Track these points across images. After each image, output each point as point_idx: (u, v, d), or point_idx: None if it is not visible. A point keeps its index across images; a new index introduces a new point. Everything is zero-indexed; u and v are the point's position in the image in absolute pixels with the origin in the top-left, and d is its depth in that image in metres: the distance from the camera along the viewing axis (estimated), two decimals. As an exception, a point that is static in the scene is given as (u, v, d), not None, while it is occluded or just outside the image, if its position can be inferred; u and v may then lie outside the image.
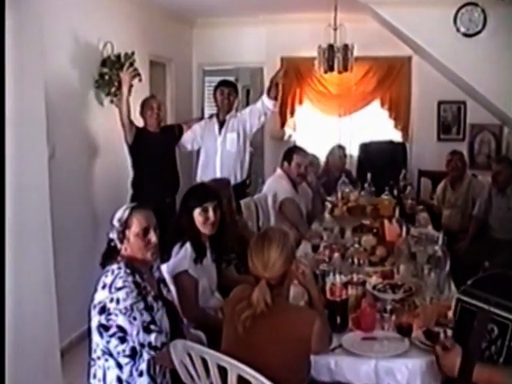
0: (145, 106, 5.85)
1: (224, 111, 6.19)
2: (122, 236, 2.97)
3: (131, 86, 5.65)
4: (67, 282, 4.66)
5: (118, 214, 3.01)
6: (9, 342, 3.35)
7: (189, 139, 6.28)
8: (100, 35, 5.64)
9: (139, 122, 5.84)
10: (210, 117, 6.47)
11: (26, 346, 3.56)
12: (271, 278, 2.70)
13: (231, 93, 6.20)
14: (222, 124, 6.18)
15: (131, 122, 5.63)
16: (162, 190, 5.65)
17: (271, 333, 2.66)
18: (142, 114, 5.85)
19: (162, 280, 3.23)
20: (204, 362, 2.65)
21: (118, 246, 2.98)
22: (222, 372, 2.60)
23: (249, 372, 2.46)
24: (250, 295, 2.68)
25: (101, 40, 5.65)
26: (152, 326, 2.83)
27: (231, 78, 10.34)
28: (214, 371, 2.61)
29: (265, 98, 5.97)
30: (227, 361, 2.54)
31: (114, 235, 2.98)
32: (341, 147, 7.36)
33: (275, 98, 5.99)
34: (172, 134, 6.14)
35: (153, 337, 2.81)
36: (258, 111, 6.06)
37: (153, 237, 3.02)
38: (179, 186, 6.13)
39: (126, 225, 2.96)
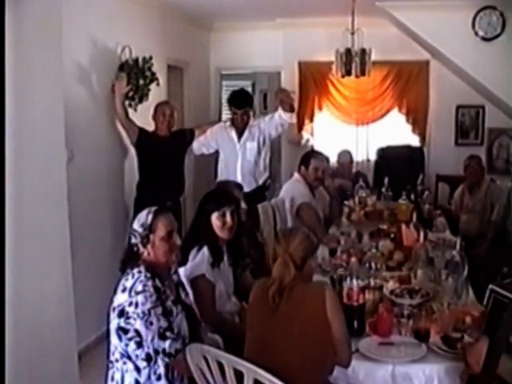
0: (157, 111, 5.87)
1: (239, 126, 6.22)
2: (146, 241, 2.96)
3: (129, 92, 5.66)
4: (85, 285, 4.68)
5: (141, 219, 3.00)
6: (27, 345, 3.37)
7: (201, 144, 6.33)
8: (118, 39, 5.66)
9: (151, 126, 5.89)
10: (227, 121, 6.47)
11: (45, 349, 3.57)
12: (294, 256, 2.78)
13: (244, 113, 6.19)
14: (240, 131, 6.20)
15: (131, 122, 5.65)
16: (163, 194, 5.59)
17: (289, 317, 2.71)
18: (154, 118, 5.88)
19: (180, 284, 3.24)
20: (220, 365, 2.65)
21: (141, 250, 2.97)
22: (238, 376, 2.60)
23: (265, 376, 2.46)
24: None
25: (119, 44, 5.68)
26: (168, 333, 2.83)
27: (248, 82, 10.37)
28: (230, 375, 2.61)
29: (280, 111, 6.00)
30: (244, 364, 2.54)
31: (136, 240, 2.98)
32: (347, 153, 7.32)
33: (291, 110, 6.00)
34: (182, 138, 6.15)
35: (167, 343, 2.81)
36: (275, 123, 6.11)
37: (177, 239, 3.04)
38: (184, 190, 6.22)
39: (150, 229, 2.96)
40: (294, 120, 6.19)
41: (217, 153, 6.45)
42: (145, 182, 5.85)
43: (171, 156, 5.92)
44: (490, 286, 2.41)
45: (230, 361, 2.61)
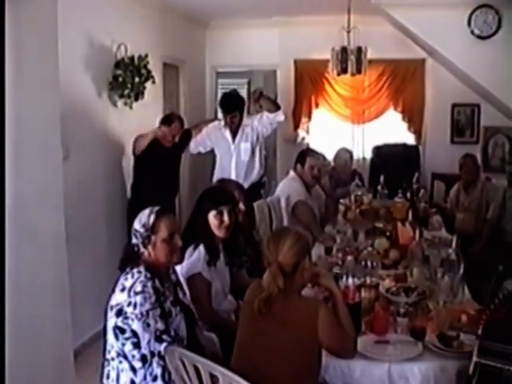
0: (166, 122, 5.88)
1: (232, 127, 6.29)
2: (148, 241, 2.92)
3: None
4: (80, 284, 4.68)
5: (143, 219, 2.95)
6: (24, 344, 3.36)
7: (198, 143, 6.47)
8: (114, 37, 5.66)
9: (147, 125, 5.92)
10: (221, 120, 6.49)
11: (40, 347, 3.57)
12: (283, 264, 2.72)
13: (233, 116, 6.25)
14: (234, 132, 6.24)
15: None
16: (159, 195, 5.48)
17: (281, 325, 2.67)
18: (161, 125, 5.89)
19: (178, 283, 3.22)
20: (197, 370, 2.62)
21: (141, 250, 2.94)
22: (215, 381, 2.58)
23: (241, 382, 2.46)
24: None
25: (114, 42, 5.67)
26: (164, 336, 2.80)
27: (244, 80, 10.36)
28: (206, 379, 2.59)
29: (266, 112, 6.11)
30: (219, 370, 2.52)
31: (137, 240, 2.94)
32: (347, 150, 7.32)
33: (276, 109, 6.03)
34: (181, 141, 6.15)
35: (163, 346, 2.78)
36: (265, 122, 6.23)
37: (178, 241, 3.00)
38: (178, 190, 6.33)
39: (152, 230, 2.93)
40: (282, 118, 6.20)
41: (213, 151, 6.48)
42: (141, 183, 5.84)
43: (170, 160, 5.99)
44: (475, 360, 2.34)
45: (205, 366, 2.58)
